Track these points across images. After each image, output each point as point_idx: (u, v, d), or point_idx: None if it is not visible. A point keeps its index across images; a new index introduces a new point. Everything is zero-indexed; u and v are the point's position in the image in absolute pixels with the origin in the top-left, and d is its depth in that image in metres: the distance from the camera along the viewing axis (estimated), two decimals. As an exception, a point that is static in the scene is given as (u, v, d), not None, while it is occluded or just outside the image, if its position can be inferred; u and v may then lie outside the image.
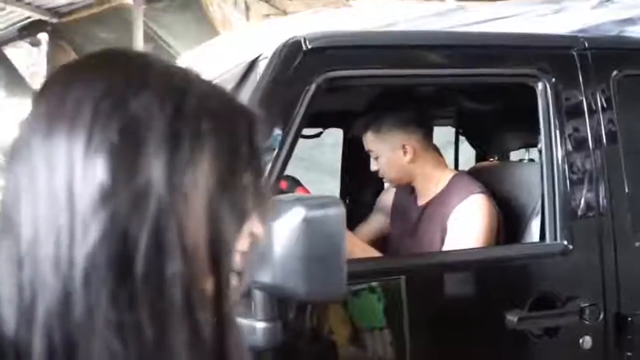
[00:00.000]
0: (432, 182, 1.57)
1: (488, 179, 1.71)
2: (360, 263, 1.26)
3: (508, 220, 1.56)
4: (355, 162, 2.14)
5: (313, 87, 1.20)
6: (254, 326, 1.00)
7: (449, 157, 2.15)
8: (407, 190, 1.66)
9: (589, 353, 1.31)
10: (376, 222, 1.80)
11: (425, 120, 1.64)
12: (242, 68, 1.37)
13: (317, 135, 2.35)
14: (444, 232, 1.45)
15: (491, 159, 1.93)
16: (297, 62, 1.21)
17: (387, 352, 1.21)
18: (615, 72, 1.47)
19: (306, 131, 2.43)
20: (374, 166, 1.62)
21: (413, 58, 1.34)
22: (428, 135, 1.63)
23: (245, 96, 1.21)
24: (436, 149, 1.66)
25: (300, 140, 2.43)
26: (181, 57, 2.01)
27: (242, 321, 1.02)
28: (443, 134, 2.30)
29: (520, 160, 1.89)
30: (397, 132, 1.55)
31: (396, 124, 1.55)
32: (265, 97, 1.19)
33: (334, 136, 2.62)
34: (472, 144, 1.98)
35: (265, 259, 0.95)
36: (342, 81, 1.29)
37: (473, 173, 1.89)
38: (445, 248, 1.43)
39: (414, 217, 1.59)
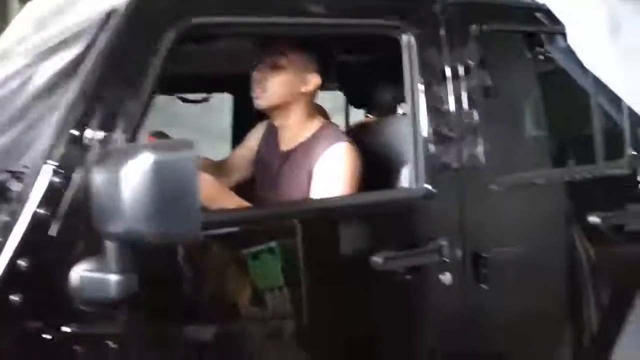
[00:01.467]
0: (301, 128, 1.58)
1: (364, 133, 1.78)
2: (225, 212, 1.27)
3: (382, 170, 1.63)
4: (245, 127, 2.12)
5: (173, 34, 1.17)
6: (108, 279, 0.99)
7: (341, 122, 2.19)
8: (272, 134, 1.67)
9: (449, 287, 1.42)
10: (240, 158, 1.79)
11: (324, 66, 1.60)
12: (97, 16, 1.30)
13: (204, 100, 2.31)
14: (309, 179, 1.48)
15: (369, 116, 2.00)
16: (155, 5, 1.17)
17: (252, 301, 1.24)
18: (477, 27, 1.55)
19: (193, 97, 2.44)
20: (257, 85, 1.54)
21: (279, 6, 1.34)
22: (320, 85, 1.61)
23: (99, 47, 1.15)
24: (319, 106, 1.67)
25: (189, 106, 2.43)
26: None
27: (97, 274, 1.01)
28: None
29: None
30: (308, 59, 1.53)
31: (307, 54, 1.53)
32: (121, 46, 1.15)
33: (225, 101, 2.60)
34: (352, 102, 2.03)
35: (115, 208, 0.94)
36: (206, 29, 1.27)
37: (353, 129, 1.96)
38: (312, 196, 1.46)
39: (276, 162, 1.60)
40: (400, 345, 1.42)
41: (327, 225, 1.34)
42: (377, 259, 1.29)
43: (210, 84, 2.32)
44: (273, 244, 1.23)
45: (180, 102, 2.32)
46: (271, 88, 1.52)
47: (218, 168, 1.77)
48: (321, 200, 1.44)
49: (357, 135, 1.83)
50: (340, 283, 1.33)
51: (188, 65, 1.93)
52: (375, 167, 1.63)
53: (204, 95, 2.31)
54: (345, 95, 2.01)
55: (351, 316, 1.34)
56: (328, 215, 1.36)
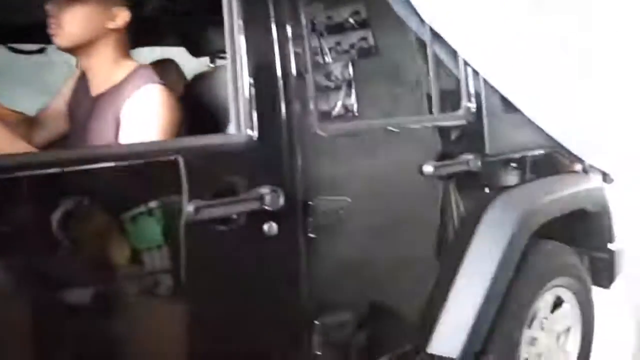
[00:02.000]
0: (111, 71, 1.47)
1: (202, 84, 1.70)
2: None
3: (218, 120, 1.56)
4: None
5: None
6: None
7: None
8: (85, 80, 1.53)
9: (275, 238, 1.37)
10: (54, 111, 1.64)
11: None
12: None
13: (39, 51, 2.11)
14: (117, 125, 1.38)
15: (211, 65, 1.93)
16: None
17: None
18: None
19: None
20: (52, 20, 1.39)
21: None
22: (131, 27, 1.49)
23: None
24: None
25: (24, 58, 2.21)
26: None
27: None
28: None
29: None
30: None
31: None
32: None
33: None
34: (191, 51, 1.94)
35: None
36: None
37: (193, 80, 1.86)
38: (120, 142, 1.36)
39: (86, 109, 1.48)
40: (228, 299, 1.37)
41: (127, 173, 1.20)
42: (189, 209, 1.22)
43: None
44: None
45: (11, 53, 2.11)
46: (69, 23, 1.37)
47: (33, 123, 1.60)
48: (112, 145, 1.34)
49: (195, 85, 1.75)
50: (163, 234, 1.24)
51: (19, 12, 1.75)
52: (212, 117, 1.56)
53: (39, 45, 2.11)
54: (184, 45, 1.91)
55: (176, 271, 1.26)
56: (124, 161, 1.21)
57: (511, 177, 2.02)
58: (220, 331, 1.35)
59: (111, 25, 1.42)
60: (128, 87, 1.42)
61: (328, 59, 2.53)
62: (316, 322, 1.47)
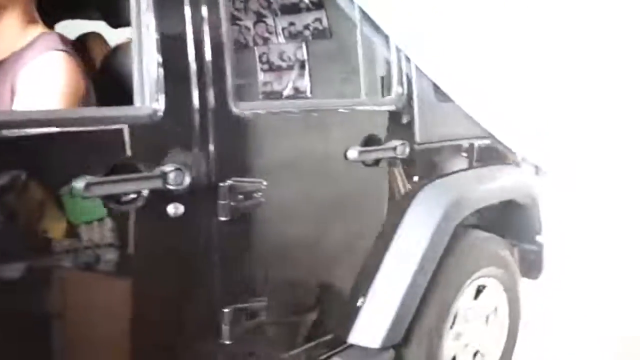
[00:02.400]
0: (16, 37, 1.36)
1: (119, 55, 1.59)
2: None
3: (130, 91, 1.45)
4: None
5: None
6: None
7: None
8: None
9: (181, 220, 1.29)
10: None
11: None
12: None
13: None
14: (13, 92, 1.27)
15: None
16: None
17: None
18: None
19: None
20: None
21: None
22: None
23: None
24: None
25: None
26: None
27: None
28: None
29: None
30: None
31: None
32: None
33: None
34: (109, 23, 1.82)
35: None
36: None
37: (111, 51, 1.75)
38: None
39: None
40: (126, 283, 1.29)
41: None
42: (77, 186, 1.12)
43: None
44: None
45: None
46: None
47: None
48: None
49: (112, 57, 1.64)
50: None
51: None
52: (127, 90, 1.46)
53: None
54: (102, 17, 1.79)
55: (65, 253, 1.16)
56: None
57: (441, 167, 1.99)
58: (118, 320, 1.27)
59: None
60: (29, 53, 1.33)
61: (281, 39, 2.46)
62: (225, 310, 1.41)
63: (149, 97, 1.24)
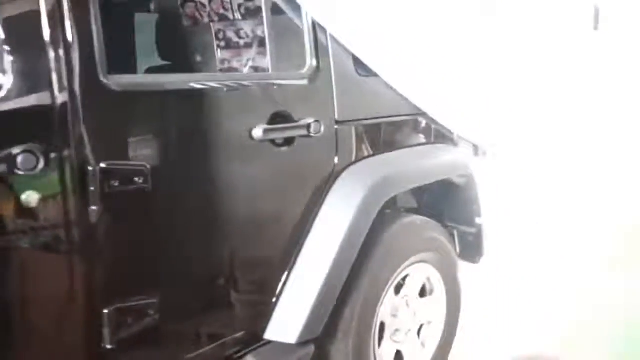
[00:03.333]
0: None
1: None
2: None
3: None
4: None
5: None
6: None
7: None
8: None
9: (37, 209, 1.10)
10: None
11: None
12: None
13: None
14: None
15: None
16: None
17: None
18: None
19: None
20: None
21: None
22: None
23: None
24: None
25: None
26: None
27: None
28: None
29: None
30: None
31: None
32: None
33: None
34: None
35: None
36: None
37: None
38: None
39: None
40: None
41: None
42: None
43: None
44: None
45: None
46: None
47: None
48: None
49: None
50: None
51: None
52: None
53: None
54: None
55: None
56: None
57: (366, 147, 1.85)
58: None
59: None
60: None
61: (238, 15, 2.29)
62: (105, 311, 1.25)
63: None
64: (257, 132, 1.48)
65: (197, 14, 2.46)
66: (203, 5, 2.41)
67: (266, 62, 1.59)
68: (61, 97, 1.14)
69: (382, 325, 1.96)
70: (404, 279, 1.97)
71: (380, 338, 1.97)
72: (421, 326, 2.11)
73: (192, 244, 1.41)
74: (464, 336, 2.29)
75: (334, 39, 1.70)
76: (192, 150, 1.38)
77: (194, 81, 1.43)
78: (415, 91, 1.98)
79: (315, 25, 1.66)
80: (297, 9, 1.64)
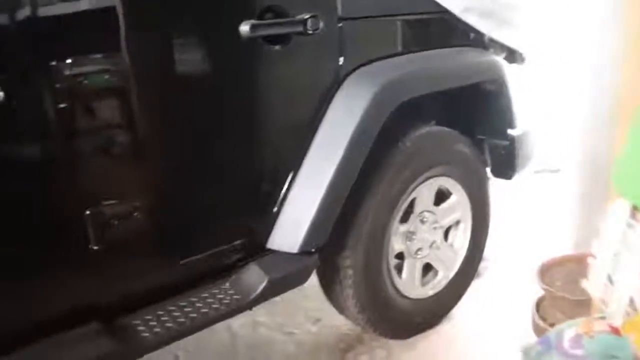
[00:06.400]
0: None
1: None
2: None
3: None
4: None
5: None
6: None
7: None
8: None
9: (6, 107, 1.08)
10: None
11: None
12: None
13: None
14: None
15: None
16: None
17: None
18: None
19: None
20: None
21: None
22: None
23: None
24: None
25: None
26: None
27: None
28: None
29: None
30: None
31: None
32: None
33: None
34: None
35: None
36: None
37: None
38: None
39: None
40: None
41: None
42: None
43: None
44: None
45: None
46: None
47: None
48: None
49: None
50: None
51: None
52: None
53: None
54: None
55: None
56: None
57: (377, 47, 1.69)
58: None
59: None
60: None
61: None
62: (87, 211, 1.23)
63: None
64: (245, 28, 1.37)
65: None
66: None
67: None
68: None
69: (401, 254, 1.89)
70: (411, 204, 1.85)
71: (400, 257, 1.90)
72: (449, 229, 2.01)
73: (185, 146, 1.35)
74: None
75: None
76: (168, 44, 1.28)
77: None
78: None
79: None
80: None
